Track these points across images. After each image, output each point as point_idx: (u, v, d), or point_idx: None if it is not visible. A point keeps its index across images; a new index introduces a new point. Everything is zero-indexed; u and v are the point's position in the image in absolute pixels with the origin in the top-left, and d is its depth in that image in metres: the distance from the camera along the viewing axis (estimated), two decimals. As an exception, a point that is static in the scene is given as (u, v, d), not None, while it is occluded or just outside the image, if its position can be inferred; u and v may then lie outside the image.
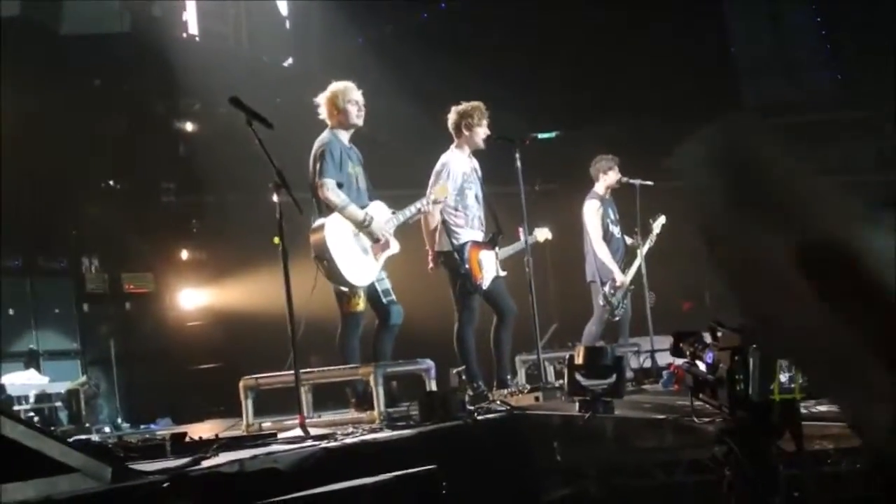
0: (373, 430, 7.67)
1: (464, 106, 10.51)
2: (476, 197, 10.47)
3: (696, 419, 6.85)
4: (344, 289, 9.31)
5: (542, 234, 11.58)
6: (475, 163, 10.61)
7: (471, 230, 10.34)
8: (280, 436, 7.48)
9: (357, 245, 9.32)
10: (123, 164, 13.51)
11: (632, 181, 12.44)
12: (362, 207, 9.40)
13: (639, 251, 12.43)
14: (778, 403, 5.72)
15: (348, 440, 7.11)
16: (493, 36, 16.32)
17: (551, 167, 13.89)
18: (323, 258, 9.12)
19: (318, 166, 9.27)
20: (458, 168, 10.36)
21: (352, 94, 9.51)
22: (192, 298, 14.07)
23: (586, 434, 8.07)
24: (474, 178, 10.50)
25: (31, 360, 11.31)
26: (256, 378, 8.94)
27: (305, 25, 15.84)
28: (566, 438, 8.12)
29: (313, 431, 7.51)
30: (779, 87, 18.22)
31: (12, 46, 11.84)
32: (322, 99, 9.55)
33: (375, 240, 9.39)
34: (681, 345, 6.21)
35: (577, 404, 8.30)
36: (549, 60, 16.10)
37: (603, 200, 12.67)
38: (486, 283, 10.30)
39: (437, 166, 10.43)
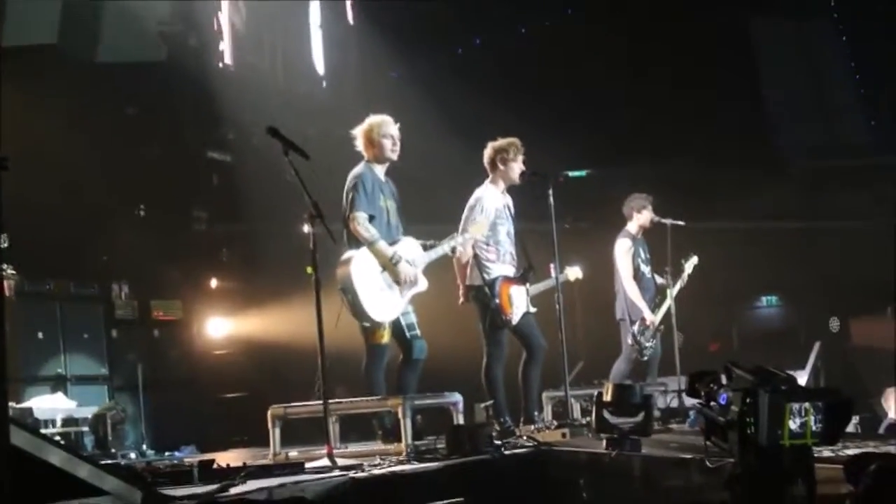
0: (400, 462, 7.69)
1: (500, 142, 10.53)
2: (508, 233, 10.47)
3: (708, 461, 6.80)
4: (366, 324, 9.31)
5: (574, 272, 11.57)
6: (508, 199, 10.62)
7: (502, 265, 10.33)
8: (308, 465, 7.50)
9: (383, 281, 9.29)
10: (156, 191, 13.55)
11: (663, 221, 12.43)
12: (393, 243, 9.39)
13: (669, 291, 12.40)
14: (789, 449, 5.66)
15: (376, 471, 7.13)
16: (527, 74, 16.36)
17: (583, 205, 13.90)
18: (347, 292, 9.11)
19: (350, 199, 9.28)
20: (491, 203, 10.37)
21: (387, 129, 9.51)
22: (220, 327, 14.07)
23: (613, 471, 8.07)
24: (506, 214, 10.51)
25: (59, 384, 11.32)
26: (285, 407, 8.96)
27: (342, 58, 15.91)
28: (593, 475, 8.12)
29: (341, 462, 7.54)
30: (811, 131, 18.19)
31: (48, 73, 11.93)
32: (358, 131, 9.56)
33: (399, 281, 9.37)
34: (696, 385, 6.17)
35: (604, 441, 8.31)
36: (583, 100, 16.13)
37: (634, 239, 12.66)
38: (515, 319, 10.29)
39: (471, 201, 10.44)
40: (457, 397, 9.32)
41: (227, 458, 8.26)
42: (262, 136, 8.46)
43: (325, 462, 7.53)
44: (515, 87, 16.04)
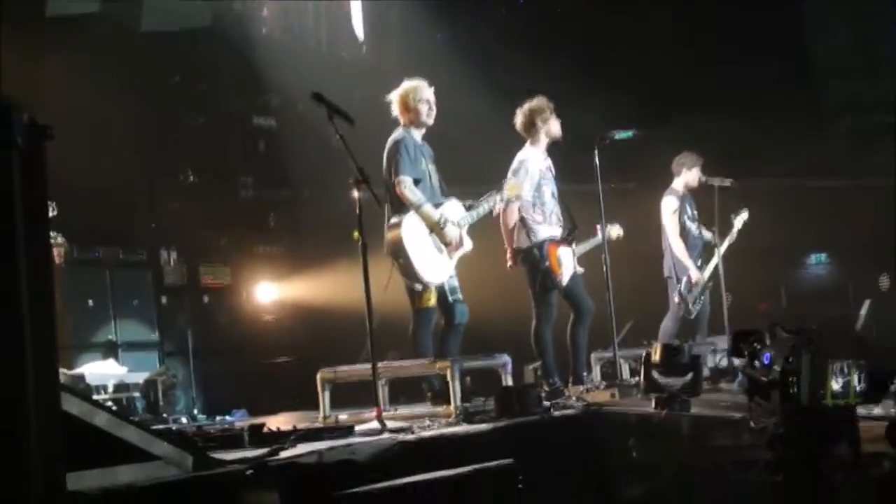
0: (449, 424, 7.72)
1: (530, 104, 10.50)
2: (552, 194, 10.47)
3: (752, 421, 6.74)
4: (418, 287, 9.33)
5: (615, 230, 11.54)
6: (549, 161, 10.60)
7: (549, 226, 10.34)
8: (357, 428, 7.52)
9: (432, 243, 9.34)
10: (202, 158, 13.61)
11: (711, 181, 12.33)
12: (437, 205, 9.42)
13: (717, 250, 12.33)
14: (832, 408, 5.60)
15: (425, 434, 7.15)
16: (572, 33, 16.27)
17: (628, 166, 13.78)
18: (398, 256, 9.15)
19: (393, 163, 9.29)
20: (535, 165, 10.37)
21: (423, 93, 9.51)
22: (268, 292, 14.11)
23: (662, 431, 8.05)
24: (549, 175, 10.50)
25: (110, 350, 11.40)
26: (335, 370, 8.99)
27: (384, 22, 15.87)
28: (642, 435, 8.11)
29: (390, 424, 7.55)
30: (858, 87, 18.00)
31: (93, 42, 11.96)
32: (394, 97, 9.56)
33: (447, 242, 9.40)
34: (740, 344, 6.11)
35: (653, 402, 8.30)
36: (629, 60, 16.01)
37: (681, 197, 12.60)
38: (565, 280, 10.30)
39: (515, 164, 10.42)
40: (506, 359, 9.31)
41: (277, 422, 8.30)
42: (307, 102, 8.45)
43: (375, 425, 7.54)
44: (560, 48, 15.94)
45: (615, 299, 10.25)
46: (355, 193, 8.03)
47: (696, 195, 12.77)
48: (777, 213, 14.72)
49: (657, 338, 11.94)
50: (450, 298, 9.51)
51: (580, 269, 10.54)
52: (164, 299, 12.47)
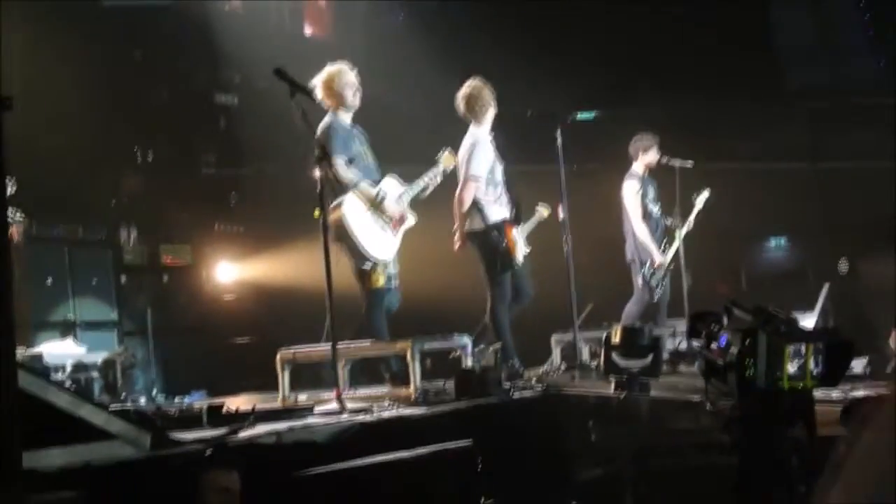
0: (409, 406, 7.71)
1: (470, 88, 10.41)
2: (503, 173, 10.45)
3: (708, 404, 6.72)
4: (366, 266, 9.33)
5: (546, 210, 11.56)
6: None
7: (500, 207, 10.28)
8: (317, 409, 7.51)
9: (374, 220, 9.37)
10: (164, 135, 13.52)
11: (671, 162, 12.36)
12: (374, 183, 9.44)
13: (678, 232, 12.34)
14: (788, 391, 5.59)
15: (384, 415, 7.15)
16: (533, 14, 16.22)
17: (591, 147, 13.79)
18: (343, 237, 9.17)
19: (326, 148, 9.28)
20: (486, 145, 10.32)
21: (346, 77, 9.57)
22: (229, 272, 14.06)
23: (621, 414, 8.07)
24: (498, 155, 10.49)
25: (68, 329, 11.35)
26: (294, 351, 8.98)
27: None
28: (601, 418, 8.13)
29: (349, 406, 7.54)
30: (820, 70, 18.06)
31: (54, 16, 11.86)
32: (317, 82, 9.55)
33: (388, 217, 9.41)
34: (697, 326, 6.09)
35: (612, 384, 8.30)
36: (590, 40, 15.99)
37: (642, 180, 12.60)
38: (520, 260, 10.29)
39: (467, 146, 10.31)
40: (466, 340, 9.33)
41: (236, 403, 8.27)
42: (268, 79, 8.42)
43: (334, 406, 7.53)
44: (522, 28, 15.89)
45: (575, 282, 10.25)
46: (317, 171, 8.01)
47: (657, 177, 12.77)
48: (738, 196, 14.76)
49: (619, 321, 11.94)
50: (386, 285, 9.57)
51: (526, 249, 10.55)
52: (123, 278, 12.42)
